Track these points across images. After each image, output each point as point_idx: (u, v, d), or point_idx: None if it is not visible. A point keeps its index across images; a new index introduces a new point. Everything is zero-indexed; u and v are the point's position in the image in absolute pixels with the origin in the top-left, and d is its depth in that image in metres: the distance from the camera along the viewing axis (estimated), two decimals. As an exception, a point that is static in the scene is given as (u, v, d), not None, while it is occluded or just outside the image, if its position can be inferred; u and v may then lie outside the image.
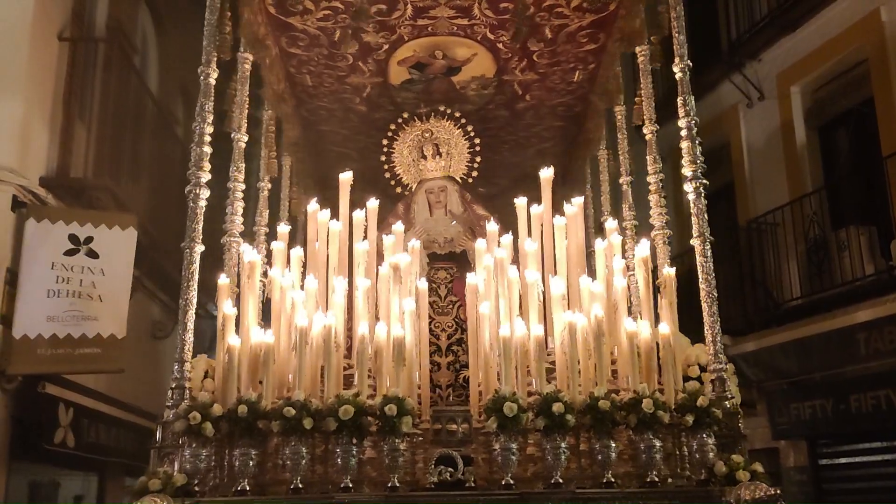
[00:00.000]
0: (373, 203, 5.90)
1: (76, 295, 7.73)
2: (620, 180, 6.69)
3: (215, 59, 5.34)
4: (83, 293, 7.77)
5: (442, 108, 7.21)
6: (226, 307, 4.91)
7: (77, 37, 8.38)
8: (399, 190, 7.28)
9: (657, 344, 4.86)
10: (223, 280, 5.10)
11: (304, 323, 4.74)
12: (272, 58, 6.62)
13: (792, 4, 10.52)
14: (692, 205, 5.11)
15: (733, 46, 11.65)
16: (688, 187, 5.13)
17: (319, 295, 5.31)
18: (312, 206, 5.85)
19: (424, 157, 7.11)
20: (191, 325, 4.82)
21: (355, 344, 4.82)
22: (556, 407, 4.42)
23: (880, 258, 9.35)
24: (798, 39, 10.70)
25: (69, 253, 7.73)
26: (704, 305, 4.92)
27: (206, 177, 5.07)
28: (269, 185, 6.65)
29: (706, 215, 5.07)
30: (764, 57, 11.25)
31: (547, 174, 5.99)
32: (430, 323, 6.29)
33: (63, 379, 7.86)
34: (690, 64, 5.34)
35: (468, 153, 7.20)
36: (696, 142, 5.19)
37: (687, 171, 5.15)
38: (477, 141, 7.20)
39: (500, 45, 6.74)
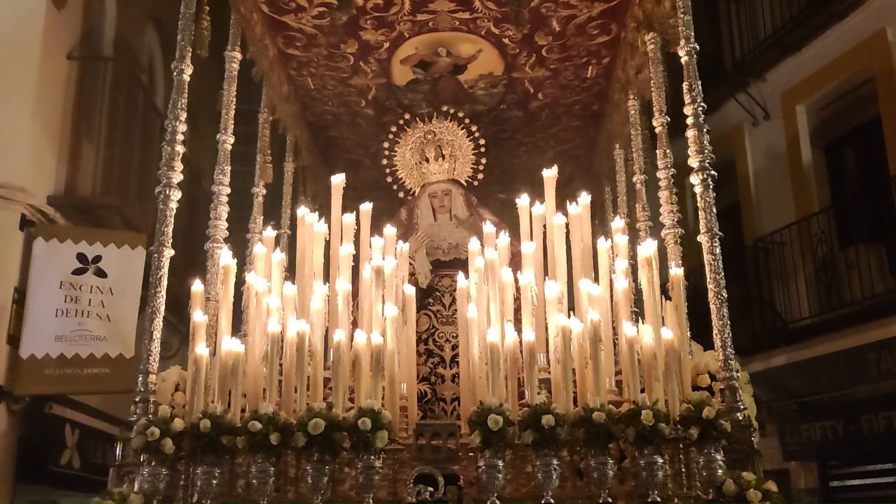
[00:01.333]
0: (366, 206, 5.44)
1: (84, 314, 7.52)
2: (634, 179, 6.19)
3: (189, 54, 4.97)
4: (91, 313, 7.56)
5: (445, 109, 6.78)
6: (196, 315, 4.50)
7: (85, 55, 8.24)
8: (402, 195, 6.87)
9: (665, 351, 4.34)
10: (197, 286, 4.69)
11: (276, 330, 4.31)
12: (271, 59, 6.26)
13: (796, 24, 10.34)
14: (699, 198, 4.59)
15: (737, 66, 11.46)
16: (694, 179, 4.61)
17: (306, 302, 4.88)
18: (301, 210, 5.43)
19: (427, 160, 6.68)
20: (157, 335, 4.44)
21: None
22: (546, 419, 3.92)
23: (889, 277, 9.16)
24: (803, 59, 10.52)
25: (77, 272, 7.54)
26: (713, 307, 4.41)
27: (177, 177, 4.70)
28: (265, 191, 6.24)
29: (714, 209, 4.55)
30: (768, 76, 11.08)
31: (550, 174, 5.48)
32: (433, 333, 6.00)
33: (69, 399, 7.63)
34: (697, 47, 4.84)
35: (473, 155, 6.76)
36: (704, 130, 4.67)
37: (693, 161, 4.63)
38: (482, 142, 6.75)
39: (507, 41, 6.29)
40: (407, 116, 6.83)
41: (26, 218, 7.27)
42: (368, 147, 7.72)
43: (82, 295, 7.53)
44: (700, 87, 4.76)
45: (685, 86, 4.79)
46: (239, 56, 5.64)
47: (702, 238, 4.55)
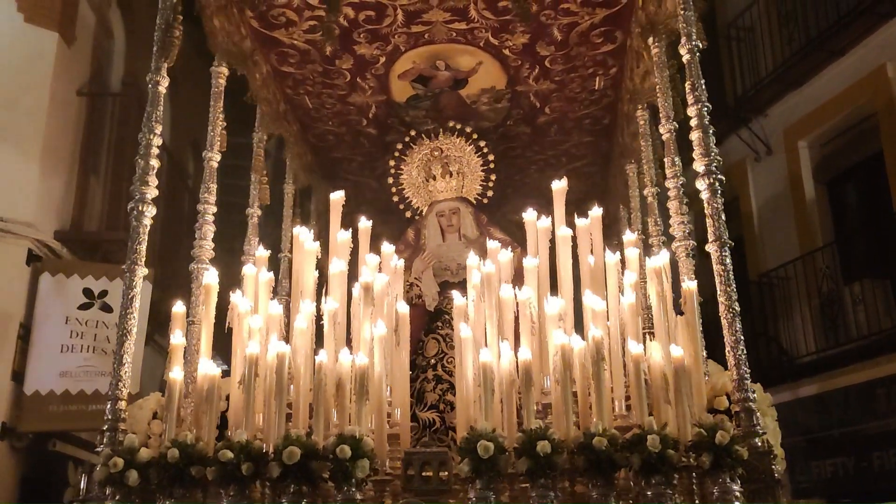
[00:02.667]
0: (364, 223, 5.09)
1: (90, 350, 7.40)
2: (645, 192, 5.80)
3: (165, 65, 4.70)
4: (97, 348, 7.43)
5: (451, 124, 6.44)
6: (174, 337, 4.17)
7: (94, 92, 8.22)
8: (409, 214, 6.53)
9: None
10: (178, 308, 4.36)
11: (255, 351, 3.95)
12: (263, 75, 5.95)
13: (798, 61, 10.29)
14: (706, 204, 4.16)
15: (739, 102, 11.36)
16: (700, 184, 4.20)
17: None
18: (297, 229, 5.10)
19: (434, 178, 6.35)
20: (128, 359, 4.10)
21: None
22: (542, 446, 3.51)
23: (896, 312, 8.93)
24: (804, 95, 10.46)
25: (83, 307, 7.44)
26: (724, 322, 3.99)
27: (151, 193, 4.39)
28: (259, 212, 5.91)
29: (723, 216, 4.14)
30: (770, 112, 11.01)
31: (559, 185, 5.13)
32: (443, 358, 5.71)
33: (73, 436, 7.41)
34: (700, 45, 4.46)
35: (482, 171, 6.42)
36: (710, 132, 4.28)
37: (699, 164, 4.23)
38: (491, 158, 6.42)
39: (507, 52, 5.92)
40: (412, 133, 6.50)
41: (33, 253, 7.20)
42: (374, 168, 7.36)
43: (88, 330, 7.42)
44: (704, 86, 4.37)
45: (688, 85, 4.39)
46: (225, 71, 5.33)
47: (710, 247, 4.14)
